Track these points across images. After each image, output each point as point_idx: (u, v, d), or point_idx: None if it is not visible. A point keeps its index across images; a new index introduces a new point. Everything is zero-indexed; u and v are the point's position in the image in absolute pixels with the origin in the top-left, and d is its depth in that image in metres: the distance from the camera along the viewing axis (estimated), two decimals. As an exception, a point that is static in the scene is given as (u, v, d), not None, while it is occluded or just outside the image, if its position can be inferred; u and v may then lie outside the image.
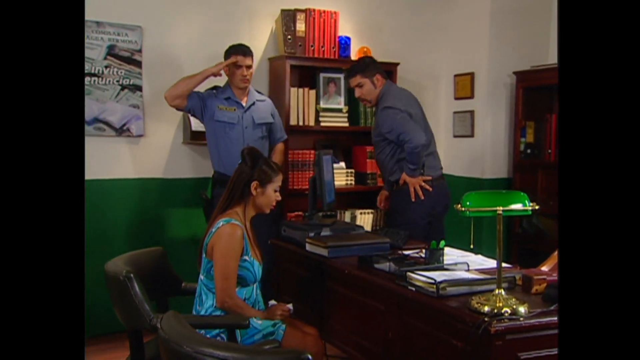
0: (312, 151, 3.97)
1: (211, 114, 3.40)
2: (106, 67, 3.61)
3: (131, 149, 3.72)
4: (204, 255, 2.24)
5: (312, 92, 3.96)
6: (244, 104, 3.49)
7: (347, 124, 4.10)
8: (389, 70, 4.12)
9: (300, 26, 3.89)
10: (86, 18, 3.49)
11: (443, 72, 4.64)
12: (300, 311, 2.74)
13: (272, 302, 2.38)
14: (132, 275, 2.02)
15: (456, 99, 4.56)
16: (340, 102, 4.07)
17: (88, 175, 3.55)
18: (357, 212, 4.13)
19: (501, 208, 1.79)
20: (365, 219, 4.14)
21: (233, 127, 3.42)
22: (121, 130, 3.66)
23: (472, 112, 4.42)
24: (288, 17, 3.87)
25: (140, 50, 3.69)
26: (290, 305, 2.36)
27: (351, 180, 4.14)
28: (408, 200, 3.23)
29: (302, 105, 3.92)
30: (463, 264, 2.24)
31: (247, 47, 3.47)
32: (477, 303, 1.81)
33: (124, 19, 3.63)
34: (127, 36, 3.66)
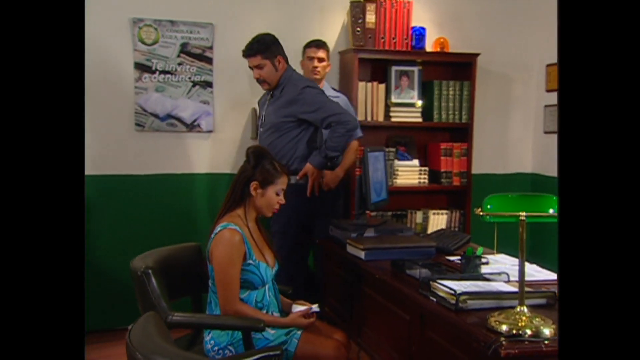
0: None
1: None
2: (179, 64, 3.72)
3: (201, 145, 3.80)
4: (207, 261, 2.20)
5: (382, 87, 3.80)
6: (315, 99, 3.46)
7: (420, 119, 3.90)
8: (467, 62, 3.88)
9: (370, 17, 3.75)
10: (161, 17, 3.64)
11: (533, 61, 4.26)
12: (341, 314, 2.63)
13: (296, 306, 2.28)
14: (149, 271, 2.04)
15: (548, 91, 4.17)
16: (413, 97, 3.88)
17: (160, 170, 3.72)
18: (430, 212, 3.92)
19: (524, 213, 1.57)
20: (438, 220, 3.92)
21: None
22: (192, 126, 3.76)
23: (565, 106, 4.02)
24: (357, 8, 3.74)
25: (211, 47, 3.75)
26: (315, 306, 2.25)
27: (424, 178, 3.93)
28: (302, 199, 3.03)
29: (370, 100, 3.78)
30: (503, 274, 2.01)
31: (320, 40, 3.51)
32: (495, 321, 1.60)
33: (196, 17, 3.72)
34: (199, 34, 3.74)
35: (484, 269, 2.16)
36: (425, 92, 3.91)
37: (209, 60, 3.76)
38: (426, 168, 3.95)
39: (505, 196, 1.64)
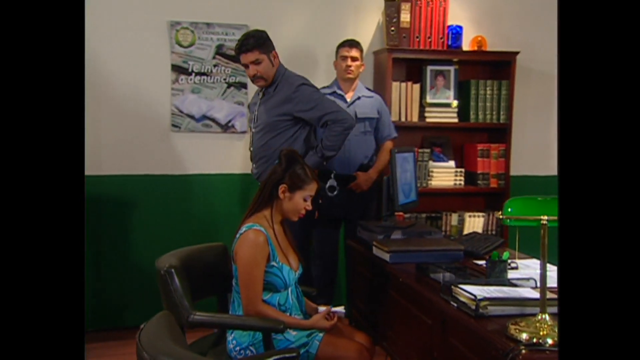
0: (416, 149, 3.76)
1: None
2: (214, 66, 3.76)
3: (235, 145, 3.84)
4: (232, 261, 2.21)
5: (416, 87, 3.75)
6: (348, 99, 3.46)
7: (456, 120, 3.82)
8: (506, 61, 3.78)
9: (405, 17, 3.70)
10: (197, 20, 3.69)
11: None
12: (368, 317, 2.60)
13: (322, 308, 2.26)
14: (172, 270, 2.06)
15: (592, 90, 4.01)
16: (449, 97, 3.80)
17: (195, 170, 3.77)
18: (466, 214, 3.83)
19: (546, 217, 1.51)
20: (474, 223, 3.83)
21: None
22: (226, 127, 3.80)
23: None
24: (392, 7, 3.70)
25: (245, 49, 3.78)
26: (340, 309, 2.23)
27: (460, 180, 3.85)
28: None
29: (404, 100, 3.73)
30: (531, 279, 1.94)
31: (354, 40, 3.49)
32: (515, 328, 1.55)
33: (231, 19, 3.76)
34: (234, 35, 3.76)
35: (512, 274, 2.10)
36: (462, 91, 3.83)
37: (244, 62, 3.79)
38: (462, 169, 3.86)
39: (527, 199, 1.58)
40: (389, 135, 3.53)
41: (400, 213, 3.57)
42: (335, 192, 3.40)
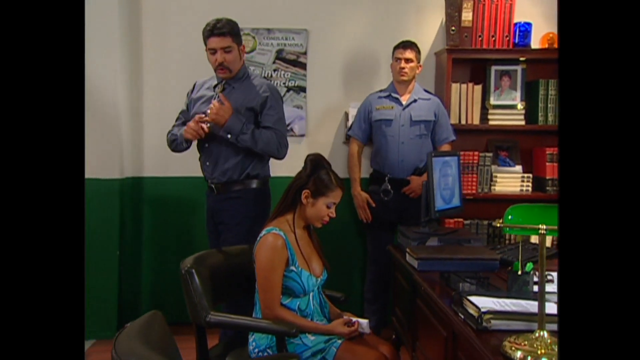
0: (476, 152, 3.60)
1: (371, 115, 3.45)
2: (274, 70, 3.82)
3: (294, 148, 3.83)
4: (254, 264, 2.20)
5: (478, 88, 3.58)
6: (403, 102, 3.40)
7: (522, 122, 3.61)
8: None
9: (467, 15, 3.55)
10: (258, 26, 3.77)
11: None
12: (403, 326, 2.52)
13: (347, 316, 2.22)
14: (193, 270, 2.10)
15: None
16: (515, 98, 3.60)
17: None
18: (533, 222, 3.60)
19: (544, 226, 1.38)
20: (542, 232, 3.58)
21: (390, 124, 3.39)
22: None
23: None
24: (452, 6, 3.57)
25: (305, 53, 3.81)
26: (362, 320, 2.17)
27: (527, 186, 3.63)
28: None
29: (464, 102, 3.58)
30: (554, 293, 1.78)
31: (409, 41, 3.41)
32: (511, 346, 1.43)
33: (291, 24, 3.80)
34: (294, 40, 3.82)
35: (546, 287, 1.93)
36: (529, 92, 3.61)
37: (303, 66, 3.82)
38: (530, 175, 3.64)
39: (530, 206, 1.46)
40: (447, 139, 3.41)
41: (451, 220, 3.44)
42: (389, 196, 3.34)
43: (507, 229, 1.45)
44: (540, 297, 1.41)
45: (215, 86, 2.89)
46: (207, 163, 2.87)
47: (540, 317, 1.41)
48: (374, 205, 3.41)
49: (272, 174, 3.84)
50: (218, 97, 2.79)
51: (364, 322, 2.18)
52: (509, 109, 3.60)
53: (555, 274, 2.10)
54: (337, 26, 3.80)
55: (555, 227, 1.38)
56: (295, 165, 3.82)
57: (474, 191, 3.58)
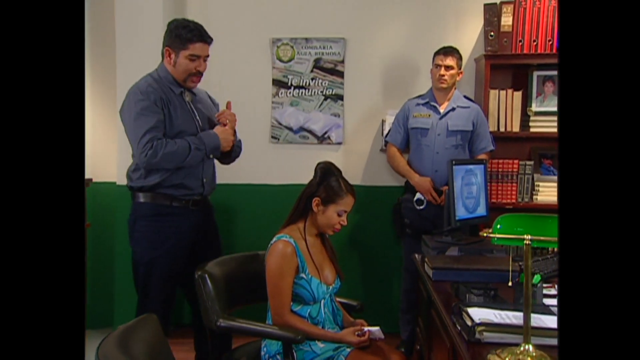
0: (516, 161, 3.48)
1: (408, 122, 3.41)
2: (312, 79, 3.86)
3: (331, 156, 3.85)
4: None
5: (518, 94, 3.46)
6: (441, 110, 3.34)
7: (566, 129, 3.45)
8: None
9: (507, 20, 3.45)
10: (296, 36, 3.82)
11: None
12: (423, 336, 2.47)
13: (360, 325, 2.20)
14: (205, 275, 2.15)
15: None
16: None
17: (292, 180, 3.88)
18: (577, 234, 3.43)
19: (529, 237, 1.32)
20: (587, 244, 3.41)
21: (426, 133, 3.33)
22: (322, 138, 3.86)
23: None
24: (491, 11, 3.48)
25: (342, 61, 3.83)
26: (374, 328, 2.14)
27: (572, 196, 3.46)
28: None
29: (503, 109, 3.47)
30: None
31: (450, 47, 3.34)
32: (495, 359, 1.37)
33: (329, 33, 3.82)
34: (331, 48, 3.84)
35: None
36: (574, 98, 3.46)
37: (340, 74, 3.83)
38: (574, 184, 3.47)
39: (518, 216, 1.41)
40: (485, 149, 3.31)
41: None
42: (423, 206, 3.28)
43: (494, 239, 1.39)
44: (526, 310, 1.35)
45: (180, 95, 2.61)
46: (205, 180, 2.69)
47: (525, 330, 1.35)
48: (405, 220, 3.37)
49: (300, 181, 3.88)
50: (217, 104, 2.87)
51: (375, 329, 2.15)
52: (552, 116, 3.45)
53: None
54: (374, 34, 3.79)
55: (542, 238, 1.32)
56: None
57: (513, 200, 3.46)
